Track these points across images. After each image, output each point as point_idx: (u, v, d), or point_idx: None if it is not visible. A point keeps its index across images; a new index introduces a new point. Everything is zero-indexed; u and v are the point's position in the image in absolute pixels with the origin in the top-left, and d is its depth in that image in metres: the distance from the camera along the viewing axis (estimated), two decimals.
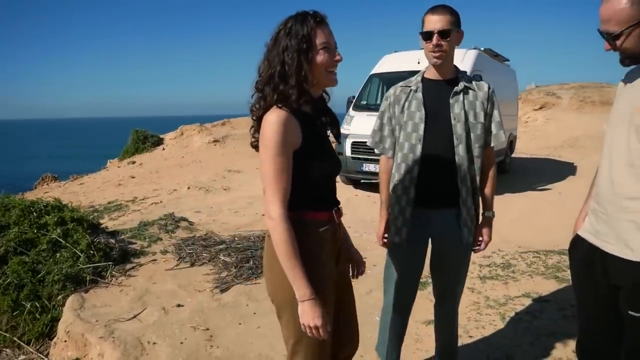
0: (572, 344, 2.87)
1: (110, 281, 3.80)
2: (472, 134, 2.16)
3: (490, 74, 8.87)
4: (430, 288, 3.77)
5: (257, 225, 5.67)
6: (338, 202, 1.80)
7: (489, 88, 2.20)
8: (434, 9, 2.10)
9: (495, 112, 2.21)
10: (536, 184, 8.64)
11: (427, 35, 2.08)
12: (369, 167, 7.53)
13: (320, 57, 1.58)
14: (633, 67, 1.70)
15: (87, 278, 3.73)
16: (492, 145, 2.26)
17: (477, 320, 3.30)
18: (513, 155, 11.14)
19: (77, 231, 4.19)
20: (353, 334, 1.95)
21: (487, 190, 2.29)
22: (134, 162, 15.05)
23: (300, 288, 1.53)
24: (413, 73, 2.46)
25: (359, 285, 3.86)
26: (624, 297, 1.68)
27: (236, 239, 4.87)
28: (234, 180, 9.39)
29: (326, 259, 1.70)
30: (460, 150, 2.14)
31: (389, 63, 8.96)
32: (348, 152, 7.77)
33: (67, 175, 15.55)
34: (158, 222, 5.33)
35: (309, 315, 1.53)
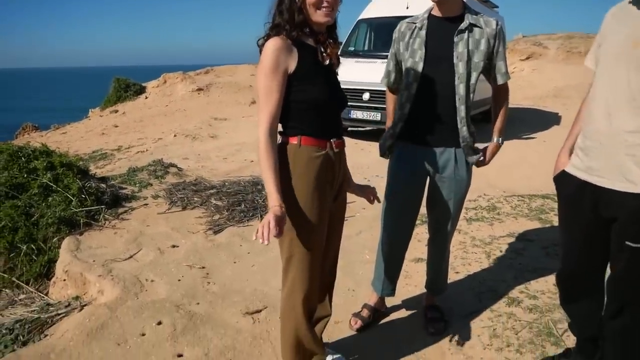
0: (553, 279, 3.03)
1: (104, 224, 3.84)
2: (473, 74, 2.16)
3: None
4: (418, 229, 3.90)
5: (246, 170, 5.69)
6: (340, 134, 1.86)
7: (497, 24, 2.16)
8: None
9: (502, 49, 2.20)
10: (521, 133, 8.74)
11: None
12: (357, 114, 7.52)
13: None
14: (622, 2, 1.72)
15: (81, 221, 3.76)
16: (502, 83, 2.26)
17: (464, 258, 3.44)
18: None
19: (67, 176, 4.17)
20: (330, 273, 2.10)
21: (500, 121, 2.34)
22: (116, 111, 14.77)
23: (271, 198, 1.62)
24: (401, 18, 2.45)
25: (348, 228, 3.96)
26: (621, 229, 1.73)
27: (226, 184, 4.91)
28: (220, 128, 9.31)
29: (319, 186, 1.77)
30: (461, 89, 2.15)
31: (377, 8, 8.77)
32: None
33: (47, 126, 15.20)
34: (147, 168, 5.32)
35: (267, 217, 1.57)
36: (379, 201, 2.13)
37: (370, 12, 8.87)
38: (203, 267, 3.18)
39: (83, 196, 4.01)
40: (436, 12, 2.21)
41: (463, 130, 2.22)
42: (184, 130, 9.06)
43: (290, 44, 1.67)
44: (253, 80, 16.50)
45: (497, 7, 10.74)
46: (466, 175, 2.33)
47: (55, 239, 3.59)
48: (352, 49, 8.57)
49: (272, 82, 1.63)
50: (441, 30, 2.17)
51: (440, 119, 2.22)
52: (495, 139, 2.35)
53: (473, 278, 3.15)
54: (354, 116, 7.57)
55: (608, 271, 1.90)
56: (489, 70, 2.22)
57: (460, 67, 2.14)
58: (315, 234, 1.79)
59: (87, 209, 3.89)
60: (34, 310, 2.79)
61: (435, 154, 2.27)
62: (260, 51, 1.70)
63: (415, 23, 2.25)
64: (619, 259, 1.78)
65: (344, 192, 1.99)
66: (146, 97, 16.32)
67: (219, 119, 10.44)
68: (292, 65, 1.67)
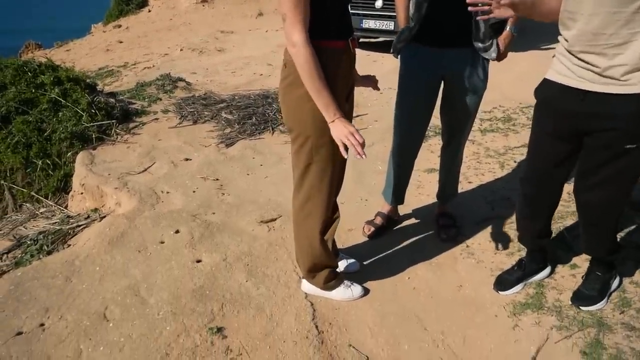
0: (566, 187, 3.02)
1: (116, 139, 3.84)
2: None
3: None
4: (431, 140, 3.86)
5: (255, 84, 5.57)
6: (352, 32, 1.78)
7: None
8: None
9: None
10: (539, 43, 8.34)
11: None
12: (369, 23, 7.18)
13: None
14: None
15: (93, 136, 3.76)
16: None
17: (477, 168, 3.43)
18: None
19: (75, 91, 4.12)
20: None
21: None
22: (119, 26, 14.30)
23: (329, 109, 1.58)
24: None
25: (368, 135, 3.94)
26: (617, 133, 1.73)
27: (236, 97, 4.83)
28: (227, 41, 9.02)
29: (339, 89, 1.72)
30: None
31: None
32: None
33: (50, 44, 14.82)
34: (155, 82, 5.22)
35: (340, 128, 1.59)
36: (378, 89, 2.09)
37: None
38: (217, 179, 3.21)
39: (93, 111, 3.98)
40: None
41: (481, 26, 2.12)
42: (190, 45, 8.79)
43: None
44: None
45: None
46: (483, 76, 2.26)
47: (69, 153, 3.62)
48: None
49: None
50: None
51: (459, 17, 2.10)
52: (508, 27, 2.26)
53: (486, 188, 3.15)
54: (366, 26, 7.23)
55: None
56: None
57: None
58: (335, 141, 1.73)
59: (98, 123, 3.88)
60: (55, 223, 2.87)
61: (452, 54, 2.19)
62: None
63: None
64: (614, 164, 1.79)
65: (352, 93, 1.94)
66: (149, 11, 15.71)
67: (226, 32, 10.09)
68: None
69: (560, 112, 1.84)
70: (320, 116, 1.64)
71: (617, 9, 1.58)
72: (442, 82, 2.30)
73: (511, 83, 5.60)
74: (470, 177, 3.29)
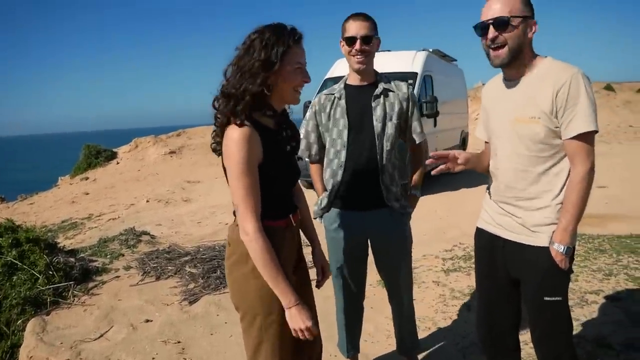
0: None
1: (73, 301, 3.67)
2: (394, 133, 2.27)
3: (440, 74, 9.15)
4: None
5: (221, 234, 5.61)
6: (295, 208, 1.84)
7: (407, 88, 2.33)
8: (355, 16, 2.20)
9: (416, 111, 2.34)
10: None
11: (351, 41, 2.18)
12: None
13: (292, 77, 1.62)
14: (496, 78, 1.93)
15: (48, 300, 3.59)
16: (419, 142, 2.39)
17: (444, 311, 3.41)
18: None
19: (33, 252, 4.02)
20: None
21: (417, 176, 2.47)
22: (87, 178, 14.56)
23: (286, 296, 1.57)
24: None
25: (326, 287, 3.90)
26: (534, 285, 1.79)
27: (201, 249, 4.81)
28: (193, 191, 9.26)
29: (286, 262, 1.71)
30: (384, 148, 2.25)
31: (343, 67, 9.07)
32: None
33: (14, 196, 14.81)
34: (118, 237, 5.20)
35: (297, 319, 1.58)
36: (317, 287, 2.05)
37: (336, 70, 9.16)
38: (179, 342, 3.05)
39: (50, 272, 3.86)
40: (352, 82, 2.34)
41: (392, 187, 2.30)
42: (157, 195, 8.97)
43: (255, 132, 1.57)
44: None
45: (455, 60, 11.26)
46: (407, 231, 2.40)
47: (19, 321, 3.41)
48: None
49: (250, 177, 1.55)
50: (359, 97, 2.30)
51: (371, 180, 2.29)
52: (412, 191, 2.47)
53: (455, 333, 3.11)
54: None
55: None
56: (405, 130, 2.35)
57: (379, 129, 2.25)
58: (284, 317, 1.65)
59: (54, 286, 3.73)
60: None
61: (372, 216, 2.32)
62: (217, 125, 1.64)
63: (333, 94, 2.36)
64: (542, 318, 1.82)
65: (303, 260, 1.93)
66: (117, 163, 16.19)
67: (192, 181, 10.40)
68: (260, 157, 1.59)
69: (491, 259, 1.94)
70: (268, 293, 1.61)
71: (526, 167, 1.77)
72: (369, 241, 2.41)
73: (468, 220, 5.82)
74: (439, 322, 3.25)
